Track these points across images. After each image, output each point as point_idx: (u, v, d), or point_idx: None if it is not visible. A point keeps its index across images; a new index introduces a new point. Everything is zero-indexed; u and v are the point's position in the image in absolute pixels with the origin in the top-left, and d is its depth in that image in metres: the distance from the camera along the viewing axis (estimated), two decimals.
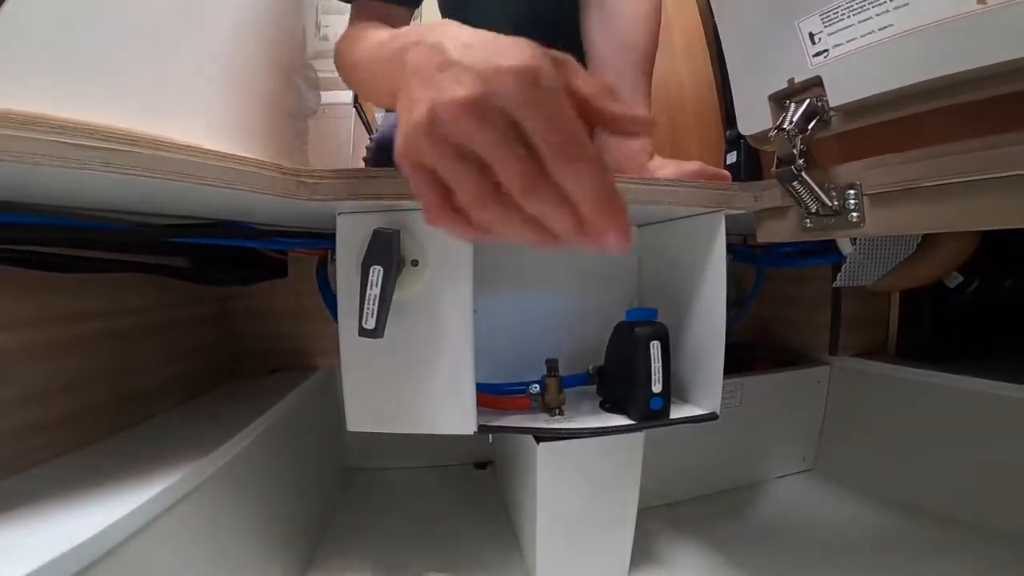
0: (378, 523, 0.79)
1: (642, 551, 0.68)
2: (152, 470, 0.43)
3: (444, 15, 0.88)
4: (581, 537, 0.63)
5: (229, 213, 0.53)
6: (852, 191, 0.46)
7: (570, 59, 0.30)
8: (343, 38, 0.58)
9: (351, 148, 1.18)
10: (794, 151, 0.46)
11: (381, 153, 0.76)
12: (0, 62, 0.33)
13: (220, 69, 0.52)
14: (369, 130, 1.10)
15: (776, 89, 0.51)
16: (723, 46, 0.57)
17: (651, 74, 0.67)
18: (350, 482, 0.92)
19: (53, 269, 0.45)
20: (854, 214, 0.46)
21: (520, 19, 0.71)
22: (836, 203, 0.46)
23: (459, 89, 0.26)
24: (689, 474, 0.83)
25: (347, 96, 1.37)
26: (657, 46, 0.68)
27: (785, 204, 0.51)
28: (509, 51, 0.26)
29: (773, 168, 0.47)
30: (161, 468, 0.44)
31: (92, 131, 0.33)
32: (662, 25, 0.69)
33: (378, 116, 1.28)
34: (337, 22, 1.27)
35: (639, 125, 0.31)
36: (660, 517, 0.78)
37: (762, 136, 0.53)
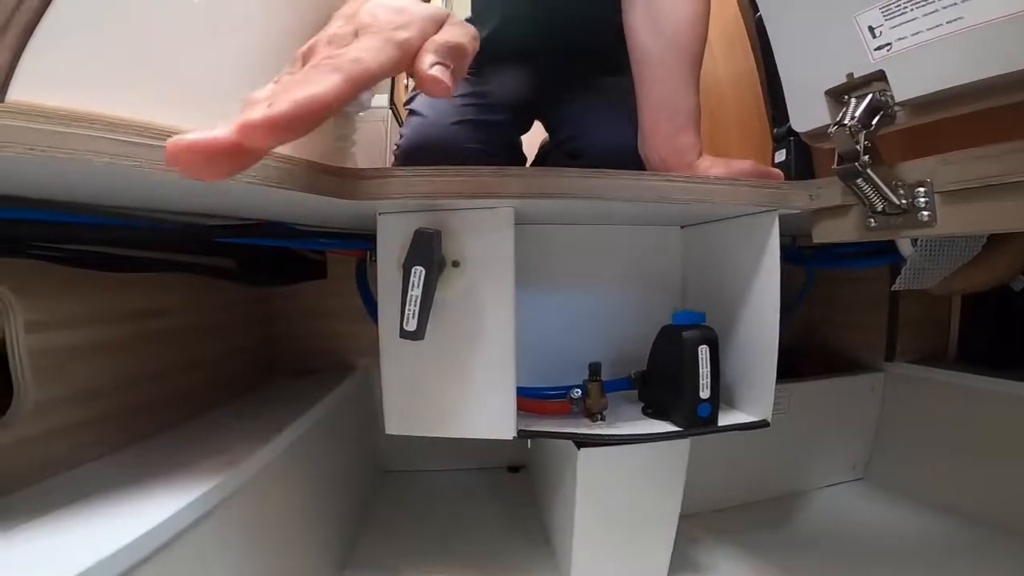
0: (411, 525, 0.78)
1: (680, 559, 0.66)
2: (197, 470, 0.44)
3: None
4: (619, 545, 0.62)
5: (271, 214, 0.53)
6: (922, 188, 0.43)
7: None
8: None
9: (386, 150, 1.18)
10: (858, 147, 0.43)
11: (407, 158, 0.75)
12: (45, 58, 0.33)
13: (266, 67, 0.52)
14: None
15: (833, 84, 0.48)
16: (772, 42, 0.55)
17: (699, 73, 0.65)
18: (383, 483, 0.92)
19: (105, 269, 0.46)
20: (924, 213, 0.43)
21: (553, 10, 0.70)
22: (905, 201, 0.44)
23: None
24: (731, 481, 0.80)
25: (383, 99, 1.38)
26: (705, 46, 0.65)
27: (846, 203, 0.48)
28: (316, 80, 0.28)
29: (834, 165, 0.45)
30: (206, 468, 0.44)
31: (142, 129, 0.33)
32: None
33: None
34: None
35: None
36: (699, 524, 0.75)
37: (819, 133, 0.50)
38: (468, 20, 0.96)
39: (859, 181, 0.44)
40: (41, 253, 0.41)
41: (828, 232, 0.52)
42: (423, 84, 0.33)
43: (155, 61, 0.37)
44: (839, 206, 0.49)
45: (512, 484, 0.93)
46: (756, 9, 0.93)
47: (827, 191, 0.49)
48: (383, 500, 0.86)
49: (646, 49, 0.64)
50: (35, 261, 0.41)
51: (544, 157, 0.99)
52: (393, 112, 1.04)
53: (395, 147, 0.76)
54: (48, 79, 0.32)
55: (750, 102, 1.01)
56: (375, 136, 1.40)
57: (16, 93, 0.30)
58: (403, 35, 0.33)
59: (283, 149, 0.40)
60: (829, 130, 0.45)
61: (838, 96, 0.49)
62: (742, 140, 1.02)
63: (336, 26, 0.35)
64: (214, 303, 0.68)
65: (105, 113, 0.32)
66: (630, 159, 0.67)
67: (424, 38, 0.34)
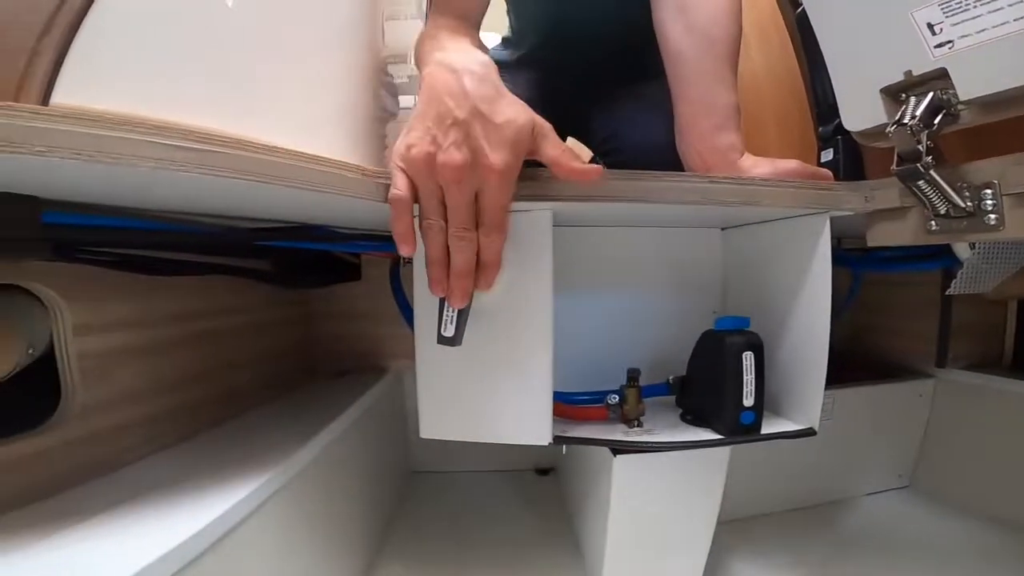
0: (440, 526, 0.78)
1: (714, 567, 0.65)
2: (241, 470, 0.44)
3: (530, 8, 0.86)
4: (652, 554, 0.60)
5: (309, 216, 0.53)
6: (989, 191, 0.41)
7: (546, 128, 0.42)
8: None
9: None
10: (919, 147, 0.41)
11: None
12: (90, 64, 0.33)
13: (306, 72, 0.52)
14: None
15: (890, 82, 0.46)
16: (819, 38, 0.53)
17: (736, 65, 0.63)
18: (412, 483, 0.92)
19: (149, 272, 0.46)
20: (992, 216, 0.41)
21: (607, 16, 0.69)
22: (970, 204, 0.41)
23: (457, 156, 0.38)
24: (770, 488, 0.78)
25: (407, 100, 1.38)
26: (740, 38, 0.63)
27: (904, 205, 0.46)
28: (501, 143, 0.39)
29: (893, 166, 0.42)
30: (249, 468, 0.44)
31: (187, 133, 0.32)
32: None
33: None
34: (399, 28, 1.28)
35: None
36: (734, 532, 0.74)
37: (874, 132, 0.48)
38: (507, 38, 0.95)
39: (921, 183, 0.41)
40: (89, 257, 0.41)
41: (884, 235, 0.49)
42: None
43: (197, 65, 0.38)
44: (897, 208, 0.46)
45: (541, 487, 0.92)
46: (796, 4, 0.90)
47: (884, 192, 0.47)
48: (412, 501, 0.86)
49: (678, 46, 0.62)
50: (82, 265, 0.42)
51: None
52: None
53: None
54: (92, 82, 0.32)
55: (788, 99, 0.98)
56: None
57: (60, 96, 0.30)
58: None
59: (325, 153, 0.40)
60: (888, 129, 0.43)
61: (894, 94, 0.47)
62: (780, 138, 0.99)
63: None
64: (254, 305, 0.69)
65: (150, 117, 0.32)
66: (668, 157, 0.65)
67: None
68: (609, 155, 0.86)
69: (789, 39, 0.97)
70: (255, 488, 0.41)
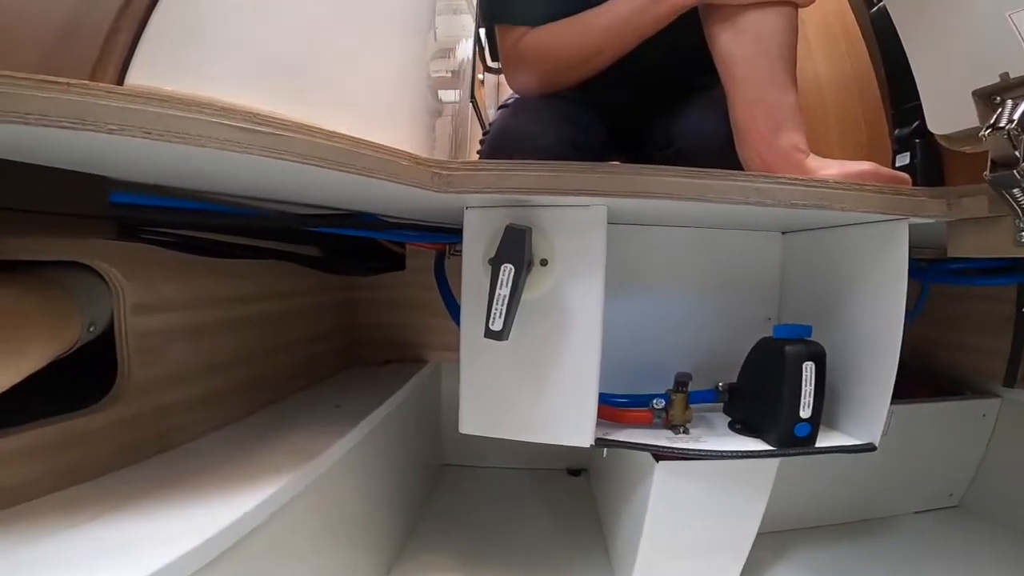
0: (468, 520, 0.78)
1: None
2: (285, 457, 0.44)
3: None
4: (686, 563, 0.59)
5: (360, 203, 0.53)
6: None
7: None
8: (521, 43, 0.64)
9: (468, 143, 1.18)
10: (1016, 153, 0.38)
11: (497, 143, 0.71)
12: (162, 46, 0.33)
13: (371, 64, 0.52)
14: (483, 125, 1.09)
15: (983, 85, 0.44)
16: (903, 39, 0.51)
17: (793, 64, 0.59)
18: (442, 476, 0.92)
19: (205, 254, 0.47)
20: None
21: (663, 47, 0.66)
22: None
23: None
24: (810, 501, 0.76)
25: (454, 95, 1.37)
26: (796, 35, 0.60)
27: (995, 214, 0.42)
28: None
29: (986, 172, 0.40)
30: (293, 455, 0.44)
31: (251, 116, 0.32)
32: None
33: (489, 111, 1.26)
34: (450, 22, 1.27)
35: None
36: (771, 545, 0.71)
37: (964, 136, 0.45)
38: None
39: (1016, 190, 0.38)
40: (151, 238, 0.41)
41: (969, 245, 0.46)
42: None
43: (262, 50, 0.37)
44: (987, 217, 0.43)
45: (571, 487, 0.91)
46: (871, 3, 0.86)
47: (971, 200, 0.44)
48: (442, 494, 0.86)
49: (729, 49, 0.59)
50: (139, 245, 0.42)
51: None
52: (474, 106, 1.04)
53: (483, 135, 0.73)
54: (163, 63, 0.32)
55: (853, 100, 0.93)
56: (441, 129, 1.39)
57: (133, 78, 0.30)
58: None
59: (383, 141, 0.39)
60: (981, 134, 0.40)
61: (987, 97, 0.44)
62: (843, 140, 0.94)
63: None
64: (299, 291, 0.69)
65: (216, 99, 0.32)
66: (729, 152, 0.62)
67: None
68: (669, 157, 0.83)
69: (856, 39, 0.92)
70: (299, 474, 0.41)
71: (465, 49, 1.21)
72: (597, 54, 0.63)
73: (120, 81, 0.29)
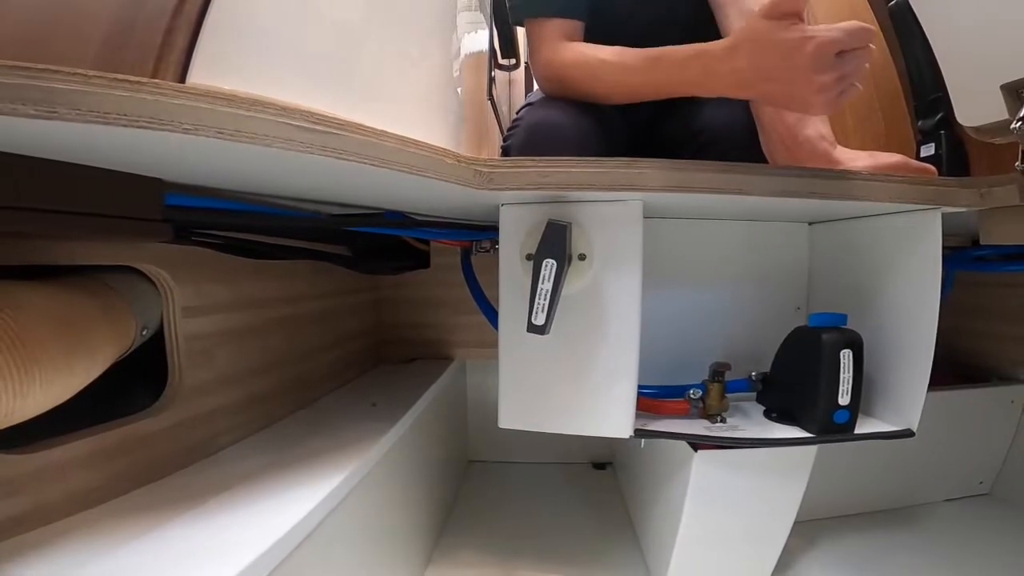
0: (497, 516, 0.78)
1: (781, 569, 0.63)
2: (328, 460, 0.44)
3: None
4: (723, 552, 0.59)
5: (389, 202, 0.53)
6: None
7: None
8: (562, 50, 0.62)
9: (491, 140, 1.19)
10: None
11: (529, 138, 0.70)
12: (219, 45, 0.33)
13: (409, 63, 0.52)
14: (501, 126, 1.10)
15: (1012, 78, 0.44)
16: (927, 32, 0.52)
17: None
18: (469, 472, 0.92)
19: (250, 255, 0.47)
20: None
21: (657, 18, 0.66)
22: None
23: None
24: (844, 489, 0.76)
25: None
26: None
27: None
28: None
29: (1018, 163, 0.40)
30: (334, 459, 0.45)
31: (308, 115, 0.32)
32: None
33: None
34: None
35: None
36: (804, 533, 0.71)
37: (993, 127, 0.46)
38: None
39: None
40: (200, 240, 0.41)
41: (1001, 233, 0.47)
42: None
43: (311, 49, 0.37)
44: (1016, 206, 0.44)
45: (597, 481, 0.92)
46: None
47: (1002, 190, 0.45)
48: (470, 490, 0.87)
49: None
50: (187, 248, 0.42)
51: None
52: (492, 104, 1.04)
53: (509, 129, 0.72)
54: (220, 63, 0.32)
55: (868, 90, 0.93)
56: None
57: (194, 77, 0.30)
58: None
59: (421, 137, 0.40)
60: (1013, 126, 0.41)
61: (1015, 91, 0.44)
62: (858, 131, 0.94)
63: None
64: (331, 291, 0.69)
65: (275, 99, 0.32)
66: (754, 144, 0.62)
67: None
68: (695, 151, 0.83)
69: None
70: (343, 478, 0.41)
71: (467, 46, 1.21)
72: (633, 96, 0.62)
73: (181, 80, 0.29)
